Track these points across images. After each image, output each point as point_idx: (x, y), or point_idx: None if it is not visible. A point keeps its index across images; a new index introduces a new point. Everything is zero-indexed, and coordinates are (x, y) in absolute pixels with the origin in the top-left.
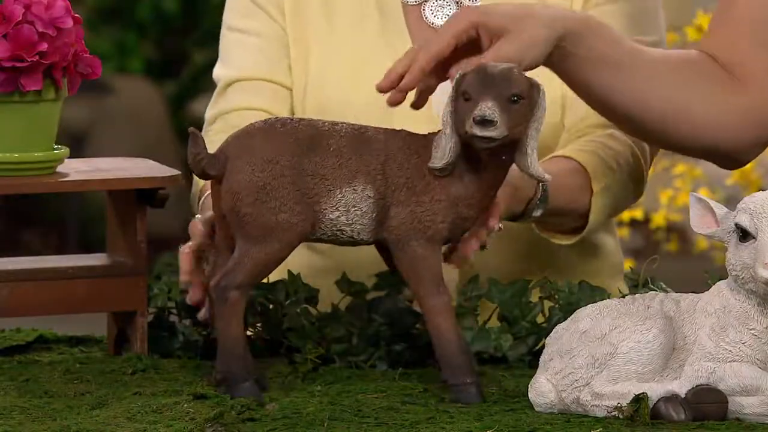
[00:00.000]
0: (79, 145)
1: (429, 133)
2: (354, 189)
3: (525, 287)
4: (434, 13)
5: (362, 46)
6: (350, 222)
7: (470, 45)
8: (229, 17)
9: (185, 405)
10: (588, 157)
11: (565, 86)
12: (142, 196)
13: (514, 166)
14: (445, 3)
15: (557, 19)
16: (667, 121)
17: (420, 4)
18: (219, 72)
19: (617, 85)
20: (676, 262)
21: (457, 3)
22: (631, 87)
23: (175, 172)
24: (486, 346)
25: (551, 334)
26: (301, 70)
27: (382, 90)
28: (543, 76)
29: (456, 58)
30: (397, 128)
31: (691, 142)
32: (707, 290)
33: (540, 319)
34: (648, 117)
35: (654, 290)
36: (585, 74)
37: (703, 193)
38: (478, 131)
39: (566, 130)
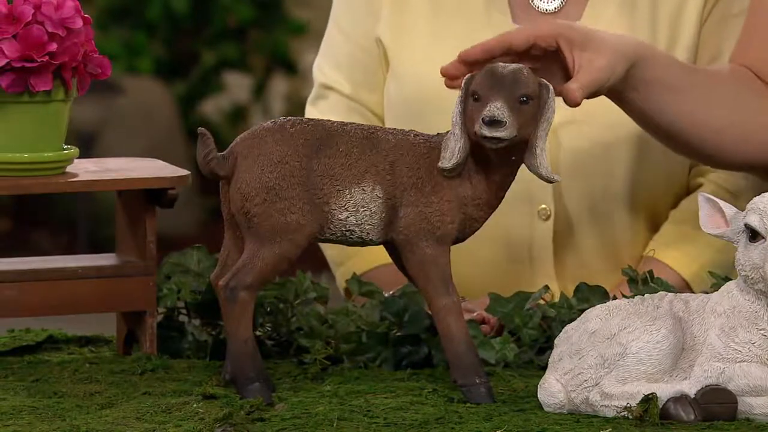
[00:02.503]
0: (88, 145)
1: (438, 134)
2: (363, 189)
3: (525, 299)
4: None
5: (464, 30)
6: (359, 222)
7: (543, 56)
8: (336, 1)
9: (194, 405)
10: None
11: None
12: (152, 196)
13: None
14: None
15: (628, 44)
16: (721, 138)
17: None
18: (320, 64)
19: (675, 107)
20: None
21: None
22: (689, 108)
23: (185, 172)
24: (490, 356)
25: (560, 334)
26: (397, 54)
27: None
28: None
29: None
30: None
31: (740, 157)
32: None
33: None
34: (703, 136)
35: (654, 286)
36: (646, 98)
37: None
38: (487, 132)
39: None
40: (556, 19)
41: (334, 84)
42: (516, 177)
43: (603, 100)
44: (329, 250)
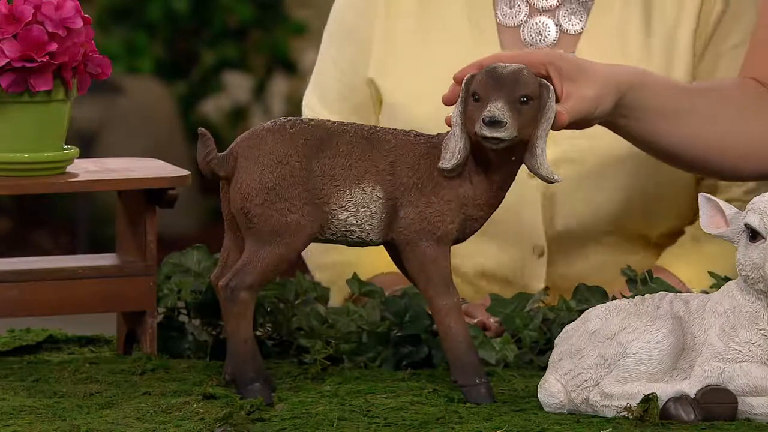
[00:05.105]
0: (89, 145)
1: (438, 134)
2: (363, 190)
3: (526, 300)
4: (532, 37)
5: (456, 67)
6: (360, 223)
7: None
8: (327, 30)
9: (195, 405)
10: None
11: None
12: (152, 196)
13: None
14: (543, 27)
15: (620, 75)
16: (726, 154)
17: (518, 26)
18: (310, 100)
19: (676, 131)
20: None
21: (557, 26)
22: (691, 130)
23: (185, 172)
24: (490, 356)
25: (560, 334)
26: (389, 89)
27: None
28: None
29: None
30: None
31: (747, 170)
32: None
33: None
34: (708, 154)
35: (653, 287)
36: (644, 126)
37: None
38: (488, 132)
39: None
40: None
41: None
42: (508, 215)
43: (597, 137)
44: (319, 275)
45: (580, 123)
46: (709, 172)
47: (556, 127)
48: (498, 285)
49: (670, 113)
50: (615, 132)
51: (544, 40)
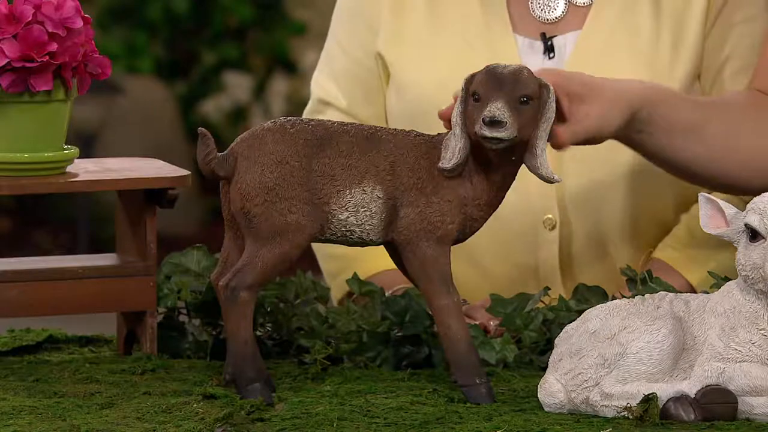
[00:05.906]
0: (89, 145)
1: (438, 134)
2: (363, 190)
3: (526, 300)
4: (541, 8)
5: (465, 41)
6: (360, 223)
7: None
8: (335, 13)
9: (195, 405)
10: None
11: None
12: (152, 197)
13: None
14: None
15: (631, 91)
16: (741, 169)
17: None
18: (318, 79)
19: (692, 145)
20: None
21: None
22: (706, 144)
23: (185, 172)
24: (490, 357)
25: (561, 334)
26: (398, 64)
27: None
28: None
29: None
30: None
31: (761, 184)
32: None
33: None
34: (722, 169)
35: (653, 286)
36: (659, 141)
37: None
38: (488, 132)
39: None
40: (557, 26)
41: (332, 99)
42: (519, 189)
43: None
44: (326, 264)
45: (589, 140)
46: (725, 188)
47: (554, 146)
48: (508, 264)
49: (686, 128)
50: (631, 148)
51: (552, 12)
